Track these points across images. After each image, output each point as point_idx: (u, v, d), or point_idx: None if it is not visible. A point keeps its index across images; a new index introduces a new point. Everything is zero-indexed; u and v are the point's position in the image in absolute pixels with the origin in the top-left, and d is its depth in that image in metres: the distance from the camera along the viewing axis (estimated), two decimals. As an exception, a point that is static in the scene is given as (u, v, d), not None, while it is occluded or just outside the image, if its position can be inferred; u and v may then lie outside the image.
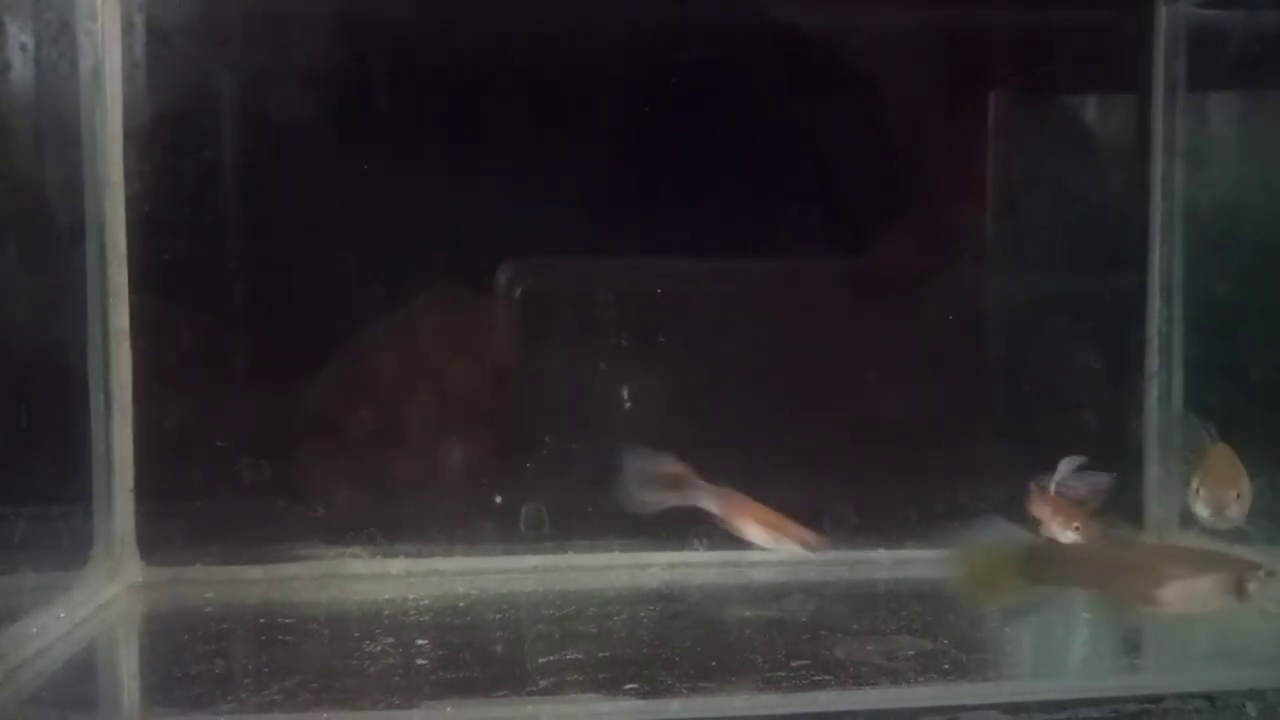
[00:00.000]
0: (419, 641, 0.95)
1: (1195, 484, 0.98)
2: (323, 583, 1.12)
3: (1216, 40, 1.19)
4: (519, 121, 1.19)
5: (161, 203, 1.12)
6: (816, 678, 0.86)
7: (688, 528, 1.17)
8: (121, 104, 1.11)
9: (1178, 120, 1.23)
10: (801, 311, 1.22)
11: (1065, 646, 1.02)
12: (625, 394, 1.19)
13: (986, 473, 1.20)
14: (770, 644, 0.95)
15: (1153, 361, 1.24)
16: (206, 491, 1.13)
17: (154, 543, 1.11)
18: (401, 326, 1.17)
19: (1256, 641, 0.97)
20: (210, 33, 1.14)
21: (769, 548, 1.00)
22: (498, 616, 1.04)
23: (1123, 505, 1.22)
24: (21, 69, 0.99)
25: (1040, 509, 1.02)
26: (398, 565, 1.15)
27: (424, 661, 0.91)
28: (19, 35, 0.99)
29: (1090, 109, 1.29)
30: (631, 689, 0.84)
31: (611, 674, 0.87)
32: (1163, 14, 1.23)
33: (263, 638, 0.98)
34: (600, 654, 0.92)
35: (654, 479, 1.02)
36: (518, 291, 1.18)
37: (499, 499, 1.17)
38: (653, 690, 0.84)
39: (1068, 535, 0.99)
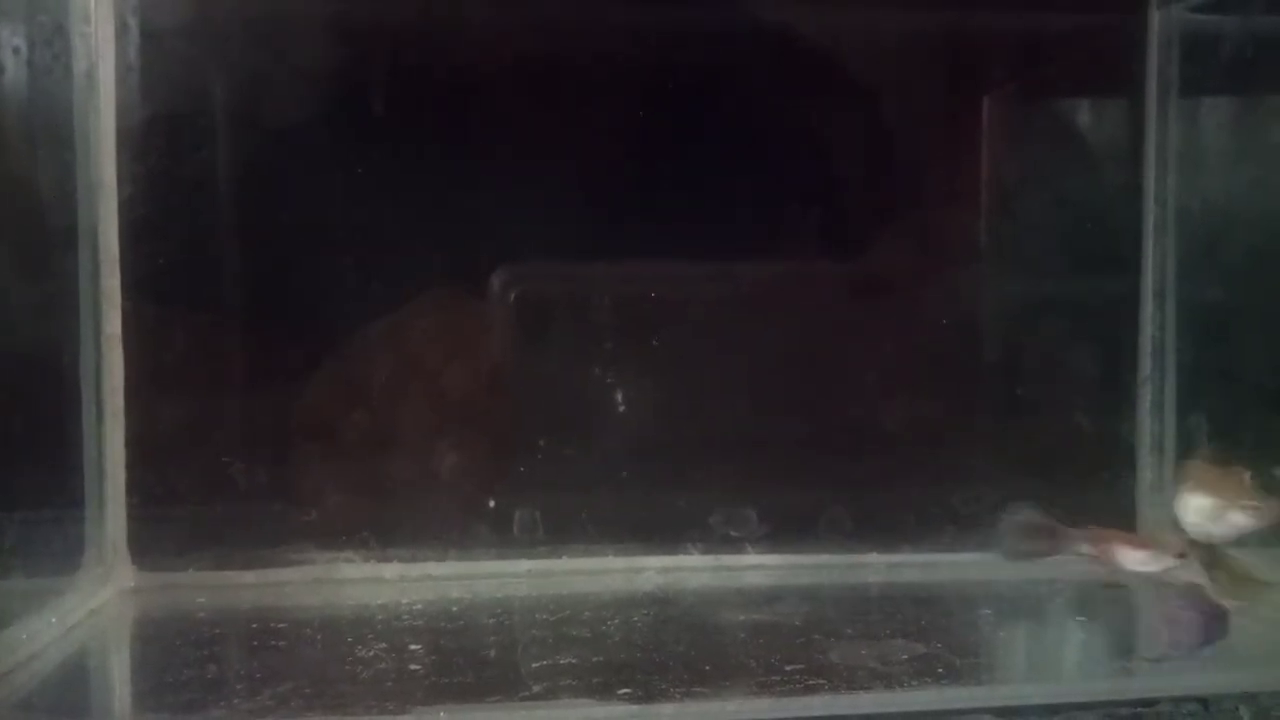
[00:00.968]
0: (412, 646, 0.95)
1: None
2: (316, 587, 1.12)
3: (1210, 44, 1.19)
4: (514, 125, 1.19)
5: (155, 206, 1.12)
6: (810, 682, 0.86)
7: (681, 531, 1.18)
8: (115, 107, 1.10)
9: (1171, 124, 1.23)
10: (795, 315, 1.22)
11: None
12: (620, 398, 1.19)
13: (981, 477, 1.20)
14: (764, 648, 0.95)
15: (1145, 364, 1.24)
16: (199, 496, 1.13)
17: (146, 547, 1.11)
18: (396, 330, 1.17)
19: (1249, 645, 0.97)
20: (205, 36, 1.14)
21: (1148, 569, 1.03)
22: (491, 621, 1.03)
23: (1115, 508, 1.22)
24: (14, 72, 0.99)
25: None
26: (391, 570, 1.14)
27: (417, 667, 0.91)
28: (12, 38, 0.99)
29: (1084, 113, 1.30)
30: (625, 694, 0.84)
31: (605, 679, 0.87)
32: (1156, 18, 1.23)
33: (255, 643, 0.97)
34: (594, 658, 0.92)
35: (1031, 533, 1.07)
36: (512, 295, 1.18)
37: (493, 503, 1.17)
38: (647, 695, 0.84)
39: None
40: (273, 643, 0.97)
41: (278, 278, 1.14)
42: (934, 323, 1.23)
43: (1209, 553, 1.02)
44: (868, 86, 1.24)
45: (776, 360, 1.22)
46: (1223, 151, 1.23)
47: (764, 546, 1.18)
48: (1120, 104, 1.27)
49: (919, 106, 1.26)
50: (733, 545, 1.18)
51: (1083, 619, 1.08)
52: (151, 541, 1.11)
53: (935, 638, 0.96)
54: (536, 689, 0.85)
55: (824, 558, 1.18)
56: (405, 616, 1.04)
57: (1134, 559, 1.03)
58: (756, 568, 1.17)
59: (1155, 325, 1.23)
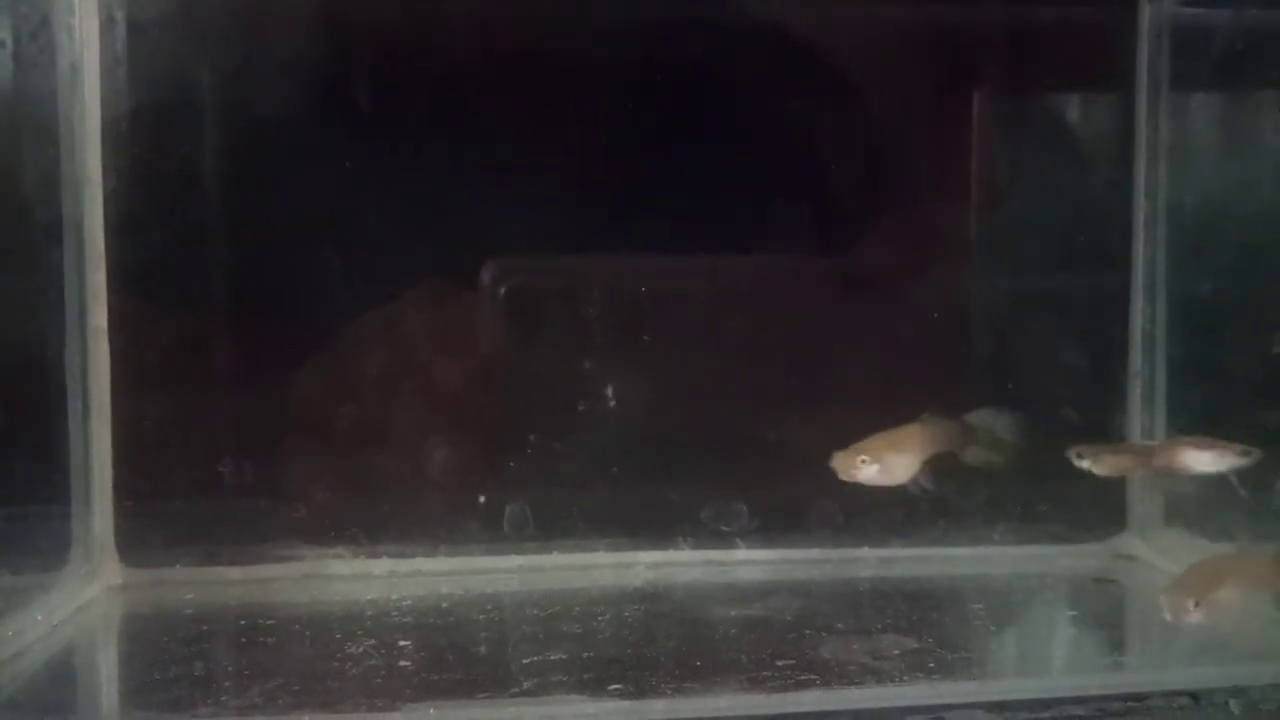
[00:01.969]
0: (402, 643, 0.95)
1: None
2: (304, 584, 1.11)
3: (1200, 38, 1.19)
4: (503, 119, 1.19)
5: (140, 200, 1.11)
6: (802, 677, 0.86)
7: (671, 526, 1.17)
8: (100, 100, 1.10)
9: (1161, 119, 1.23)
10: (785, 309, 1.22)
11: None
12: (610, 392, 1.18)
13: (971, 470, 1.20)
14: (755, 643, 0.95)
15: (1136, 359, 1.24)
16: (186, 492, 1.12)
17: (133, 544, 1.11)
18: (384, 325, 1.17)
19: (1239, 639, 0.97)
20: (190, 29, 1.13)
21: (1216, 468, 1.04)
22: (481, 617, 1.03)
23: (1106, 501, 1.23)
24: (-2, 65, 0.98)
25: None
26: (380, 566, 1.14)
27: (407, 663, 0.91)
28: (-4, 31, 0.98)
29: (1074, 107, 1.30)
30: (616, 689, 0.84)
31: (596, 674, 0.87)
32: (1146, 12, 1.23)
33: (243, 639, 0.97)
34: (585, 654, 0.92)
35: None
36: (502, 290, 1.18)
37: (483, 498, 1.17)
38: (637, 691, 0.84)
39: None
40: (261, 639, 0.97)
41: (265, 271, 1.14)
42: (924, 317, 1.23)
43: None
44: (856, 81, 1.23)
45: (766, 354, 1.21)
46: (1213, 146, 1.23)
47: (754, 541, 1.18)
48: (1110, 98, 1.27)
49: (908, 101, 1.26)
50: (723, 540, 1.18)
51: (1074, 613, 1.08)
52: (138, 538, 1.11)
53: (927, 632, 0.96)
54: (527, 685, 0.85)
55: (815, 552, 1.18)
56: (395, 613, 1.04)
57: (1202, 460, 1.04)
58: (747, 563, 1.17)
59: (1145, 319, 1.23)
